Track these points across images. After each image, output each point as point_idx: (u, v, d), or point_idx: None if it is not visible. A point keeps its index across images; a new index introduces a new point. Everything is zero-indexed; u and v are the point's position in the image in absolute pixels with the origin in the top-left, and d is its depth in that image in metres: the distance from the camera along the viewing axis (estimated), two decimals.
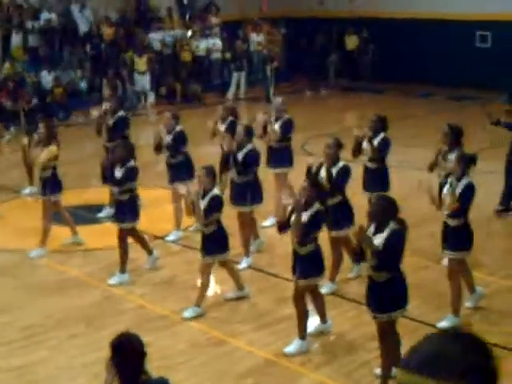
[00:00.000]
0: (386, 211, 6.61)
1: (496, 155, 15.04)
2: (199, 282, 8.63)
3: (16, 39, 20.95)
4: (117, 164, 9.49)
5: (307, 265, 7.44)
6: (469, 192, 7.80)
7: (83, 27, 22.10)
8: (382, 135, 9.72)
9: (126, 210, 9.44)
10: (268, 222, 10.99)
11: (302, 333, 7.59)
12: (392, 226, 6.56)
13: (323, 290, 8.61)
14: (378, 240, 6.53)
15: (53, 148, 10.38)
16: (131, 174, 9.43)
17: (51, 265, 10.27)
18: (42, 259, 10.37)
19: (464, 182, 7.81)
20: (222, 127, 11.42)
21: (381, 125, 9.77)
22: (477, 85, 21.62)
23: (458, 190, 7.75)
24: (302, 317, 7.59)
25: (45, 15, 21.63)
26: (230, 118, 11.39)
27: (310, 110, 19.99)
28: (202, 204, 8.39)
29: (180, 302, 8.74)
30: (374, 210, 6.71)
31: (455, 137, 9.21)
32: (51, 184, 10.44)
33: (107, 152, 11.72)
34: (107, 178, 9.69)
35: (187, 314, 8.45)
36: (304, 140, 15.71)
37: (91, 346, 7.74)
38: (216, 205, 8.39)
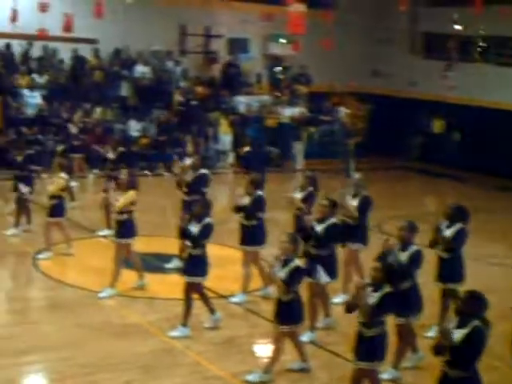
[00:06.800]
0: (473, 307, 6.37)
1: None
2: (271, 349, 8.31)
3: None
4: (194, 219, 9.55)
5: (370, 348, 7.16)
6: None
7: (175, 83, 22.58)
8: (458, 225, 9.42)
9: (197, 264, 9.41)
10: (338, 299, 10.54)
11: None
12: (476, 322, 6.31)
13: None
14: (458, 335, 6.27)
15: (131, 193, 10.68)
16: (207, 231, 9.44)
17: (116, 307, 10.31)
18: (108, 300, 10.46)
19: None
20: (299, 195, 11.35)
21: (459, 215, 9.50)
22: None
23: None
24: None
25: (140, 68, 22.23)
26: (310, 188, 11.33)
27: (388, 190, 19.74)
28: (283, 273, 8.16)
29: (237, 365, 8.57)
30: (462, 304, 6.43)
31: None
32: (126, 228, 10.65)
33: (183, 205, 11.87)
34: (183, 233, 9.63)
35: (251, 377, 8.21)
36: (381, 219, 15.41)
37: None
38: (298, 276, 8.20)
